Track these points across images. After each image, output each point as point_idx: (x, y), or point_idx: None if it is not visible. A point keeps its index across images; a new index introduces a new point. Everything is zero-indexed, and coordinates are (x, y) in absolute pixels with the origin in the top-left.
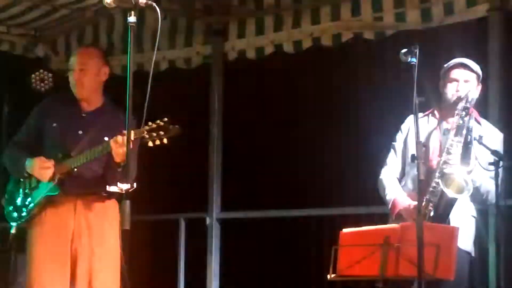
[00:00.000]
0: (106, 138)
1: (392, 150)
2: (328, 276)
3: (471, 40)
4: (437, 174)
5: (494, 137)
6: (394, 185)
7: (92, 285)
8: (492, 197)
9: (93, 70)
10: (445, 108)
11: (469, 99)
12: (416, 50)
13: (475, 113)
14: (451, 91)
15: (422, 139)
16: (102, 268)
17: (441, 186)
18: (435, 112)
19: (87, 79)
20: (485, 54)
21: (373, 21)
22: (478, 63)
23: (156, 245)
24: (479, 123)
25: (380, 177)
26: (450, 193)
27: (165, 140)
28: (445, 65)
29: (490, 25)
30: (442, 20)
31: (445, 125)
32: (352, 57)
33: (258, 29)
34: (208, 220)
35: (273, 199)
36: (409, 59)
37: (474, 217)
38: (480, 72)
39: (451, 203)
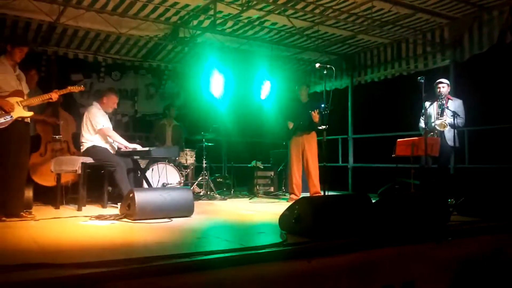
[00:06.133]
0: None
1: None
2: (393, 155)
3: (443, 74)
4: (436, 122)
5: (458, 103)
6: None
7: (309, 165)
8: (460, 124)
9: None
10: (436, 97)
11: (443, 95)
12: (423, 77)
13: (449, 96)
14: (438, 91)
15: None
16: (313, 158)
17: (437, 125)
18: (433, 99)
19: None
20: (449, 79)
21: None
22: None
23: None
24: (451, 99)
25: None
26: (439, 128)
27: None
28: (437, 81)
29: (450, 69)
30: (432, 66)
31: (437, 103)
32: (403, 84)
33: (369, 72)
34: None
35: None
36: (421, 80)
37: (454, 130)
38: (448, 82)
39: (442, 131)
